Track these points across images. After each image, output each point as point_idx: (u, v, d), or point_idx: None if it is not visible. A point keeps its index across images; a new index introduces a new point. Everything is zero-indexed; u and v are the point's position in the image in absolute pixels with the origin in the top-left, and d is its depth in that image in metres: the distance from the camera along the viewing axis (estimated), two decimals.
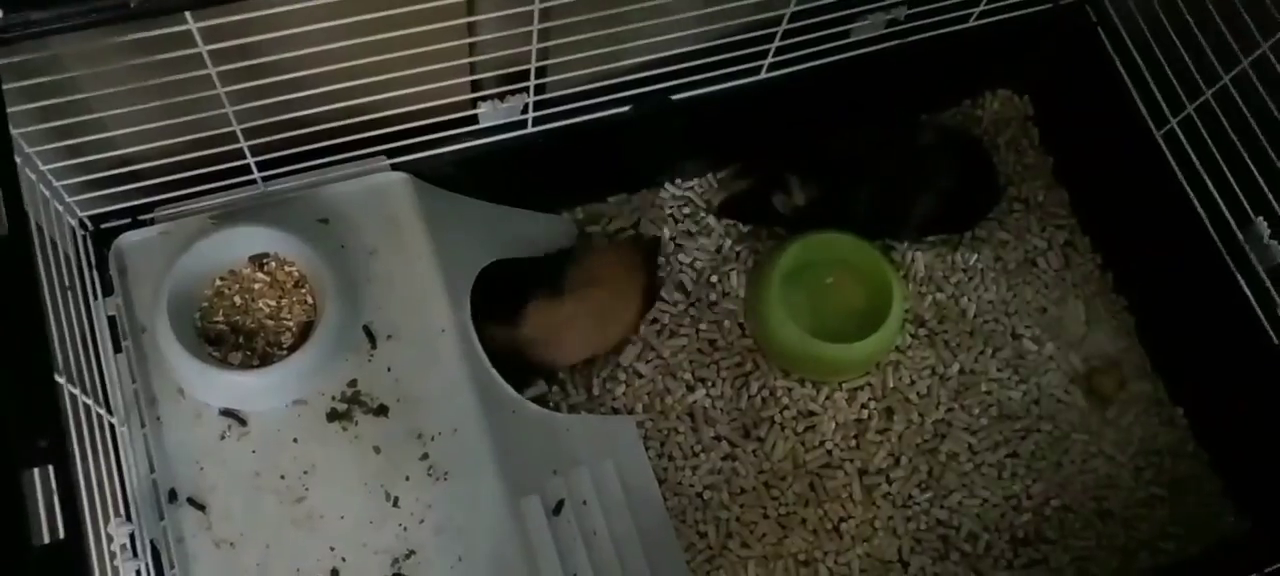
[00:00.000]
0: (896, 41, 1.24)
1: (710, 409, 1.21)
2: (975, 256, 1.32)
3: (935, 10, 1.21)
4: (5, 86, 0.79)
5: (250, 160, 1.01)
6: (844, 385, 1.23)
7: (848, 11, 1.17)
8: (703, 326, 1.25)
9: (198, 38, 0.83)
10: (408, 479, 0.98)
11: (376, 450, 0.99)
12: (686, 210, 1.32)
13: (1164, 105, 1.21)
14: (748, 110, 1.25)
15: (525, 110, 1.11)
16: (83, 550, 0.67)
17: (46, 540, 0.61)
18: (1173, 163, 1.22)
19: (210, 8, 0.79)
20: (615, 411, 1.19)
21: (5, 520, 0.58)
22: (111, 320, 1.00)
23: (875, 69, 1.26)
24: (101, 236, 1.02)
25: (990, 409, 1.24)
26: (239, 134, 0.97)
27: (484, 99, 1.08)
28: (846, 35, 1.20)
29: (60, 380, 0.68)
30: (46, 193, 0.92)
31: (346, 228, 1.06)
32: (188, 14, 0.79)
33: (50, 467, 0.60)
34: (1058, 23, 1.32)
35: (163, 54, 0.85)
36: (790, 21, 1.13)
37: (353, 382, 1.00)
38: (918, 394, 1.24)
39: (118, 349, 0.99)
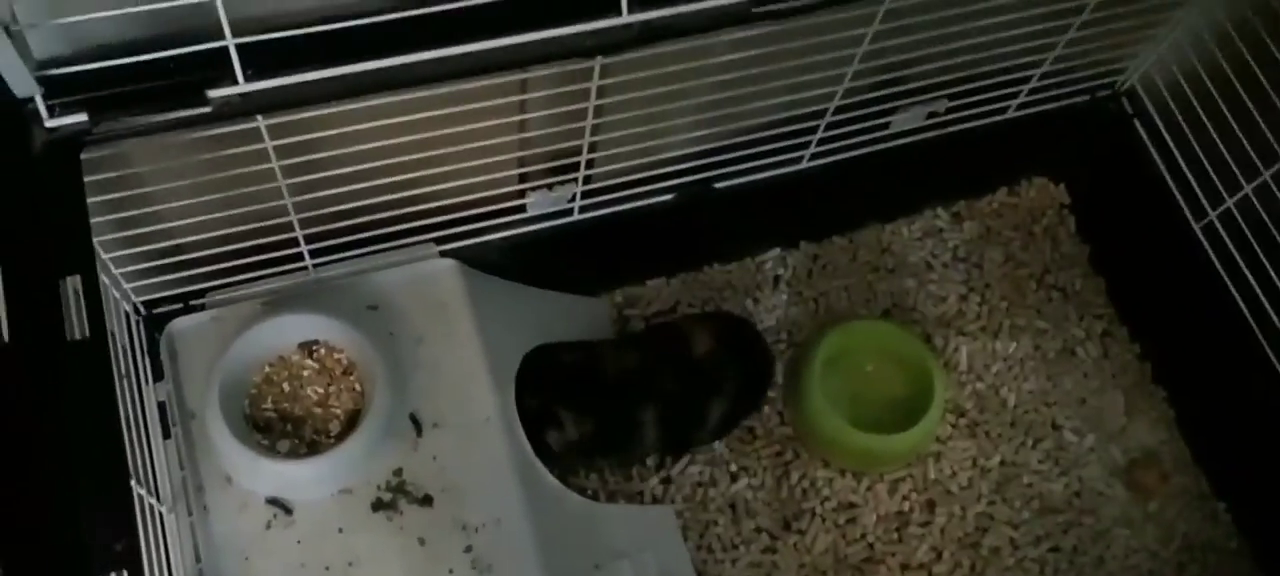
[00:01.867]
0: (936, 132, 1.25)
1: (751, 500, 1.20)
2: (1015, 345, 1.32)
3: (975, 103, 1.23)
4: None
5: (304, 247, 1.02)
6: (885, 476, 1.23)
7: (889, 105, 1.19)
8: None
9: (265, 134, 0.85)
10: (452, 572, 0.97)
11: (421, 542, 0.98)
12: (726, 295, 1.33)
13: (1202, 198, 1.22)
14: (788, 197, 1.26)
15: (572, 199, 1.12)
16: None
17: None
18: (1212, 255, 1.22)
19: (283, 111, 0.80)
20: (655, 501, 1.19)
21: None
22: (161, 406, 1.00)
23: (914, 157, 1.27)
24: (154, 321, 1.03)
25: (1032, 502, 1.23)
26: (295, 223, 0.98)
27: (533, 189, 1.10)
28: (887, 126, 1.22)
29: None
30: (106, 280, 0.93)
31: (395, 314, 1.07)
32: (258, 115, 0.81)
33: (124, 572, 0.60)
34: (1095, 113, 1.33)
35: (229, 149, 0.86)
36: (834, 114, 1.15)
37: (398, 471, 1.00)
38: (959, 486, 1.23)
39: (166, 435, 0.99)
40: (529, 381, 1.09)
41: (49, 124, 0.73)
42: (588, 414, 1.12)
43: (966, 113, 1.24)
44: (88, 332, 0.63)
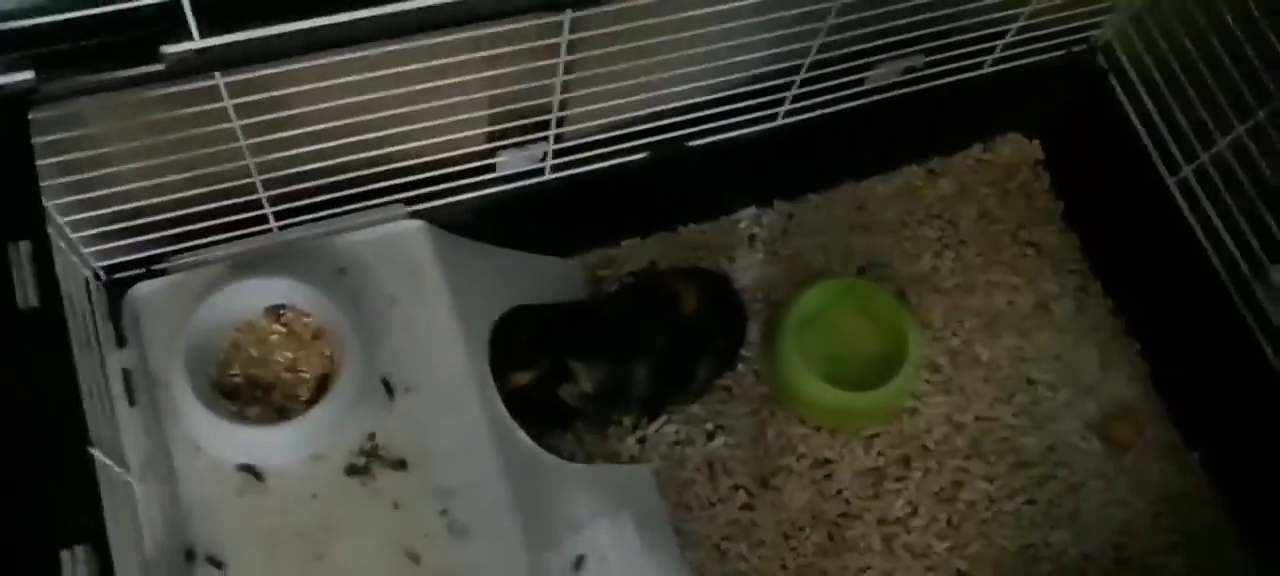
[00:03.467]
0: (911, 88, 1.24)
1: (727, 458, 1.20)
2: (989, 302, 1.32)
3: (951, 58, 1.22)
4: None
5: (268, 209, 1.00)
6: (861, 432, 1.23)
7: (866, 61, 1.18)
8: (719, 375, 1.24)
9: (224, 92, 0.82)
10: (427, 535, 0.96)
11: (395, 505, 0.97)
12: (701, 254, 1.31)
13: (1177, 153, 1.22)
14: (763, 155, 1.25)
15: (544, 157, 1.10)
16: None
17: None
18: (1186, 210, 1.23)
19: (241, 67, 0.77)
20: (633, 461, 1.18)
21: None
22: (125, 373, 0.98)
23: (888, 113, 1.26)
24: (115, 287, 1.00)
25: (1007, 456, 1.24)
26: (258, 184, 0.96)
27: (503, 147, 1.07)
28: (862, 82, 1.20)
29: (92, 451, 0.67)
30: (62, 244, 0.91)
31: (364, 277, 1.05)
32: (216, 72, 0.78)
33: (88, 545, 0.58)
34: (1069, 69, 1.32)
35: (187, 108, 0.83)
36: (809, 70, 1.13)
37: (371, 436, 0.99)
38: (934, 441, 1.23)
39: (132, 403, 0.97)
40: (526, 341, 1.08)
41: None
42: (597, 364, 1.11)
43: (942, 68, 1.23)
44: (39, 300, 0.61)
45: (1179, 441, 1.28)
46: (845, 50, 1.15)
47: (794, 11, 1.02)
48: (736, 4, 0.98)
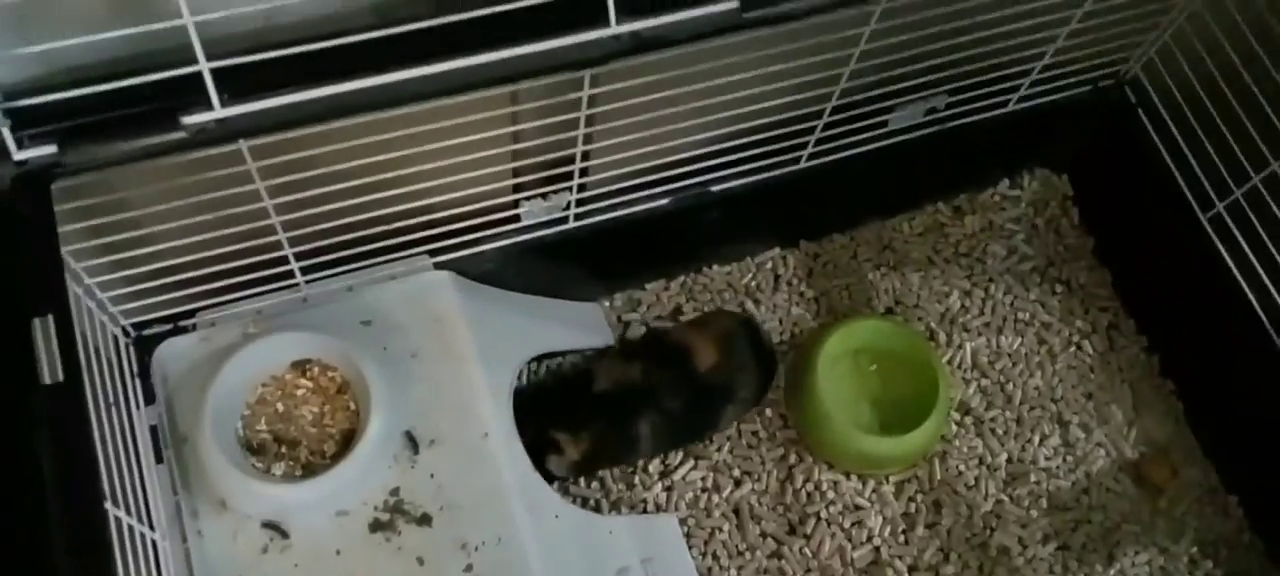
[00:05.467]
0: (935, 127, 1.23)
1: (755, 505, 1.18)
2: (1019, 341, 1.30)
3: (974, 97, 1.21)
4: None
5: (294, 265, 1.00)
6: (891, 477, 1.21)
7: (887, 103, 1.17)
8: (744, 420, 1.23)
9: (248, 156, 0.83)
10: None
11: (420, 562, 0.97)
12: (726, 296, 1.31)
13: (1209, 189, 1.20)
14: (787, 196, 1.24)
15: (567, 206, 1.10)
16: None
17: None
18: (1220, 247, 1.20)
19: (263, 135, 0.78)
20: (658, 509, 1.17)
21: None
22: (153, 430, 0.99)
23: (913, 151, 1.25)
24: (143, 343, 1.01)
25: (1040, 499, 1.22)
26: (284, 241, 0.96)
27: (528, 198, 1.08)
28: (885, 124, 1.20)
29: (109, 508, 0.67)
30: (92, 305, 0.92)
31: (389, 329, 1.05)
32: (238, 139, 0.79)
33: None
34: (1097, 103, 1.31)
35: (211, 171, 0.84)
36: (831, 113, 1.13)
37: (395, 491, 0.99)
38: (966, 485, 1.21)
39: (159, 460, 0.98)
40: (522, 409, 1.07)
41: (17, 156, 0.71)
42: (583, 432, 1.11)
43: (967, 108, 1.22)
44: (62, 375, 0.61)
45: (1217, 483, 1.25)
46: (867, 94, 1.15)
47: (815, 59, 1.02)
48: (755, 53, 0.98)
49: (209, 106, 0.73)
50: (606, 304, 1.30)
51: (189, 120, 0.73)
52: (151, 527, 0.92)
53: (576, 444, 1.10)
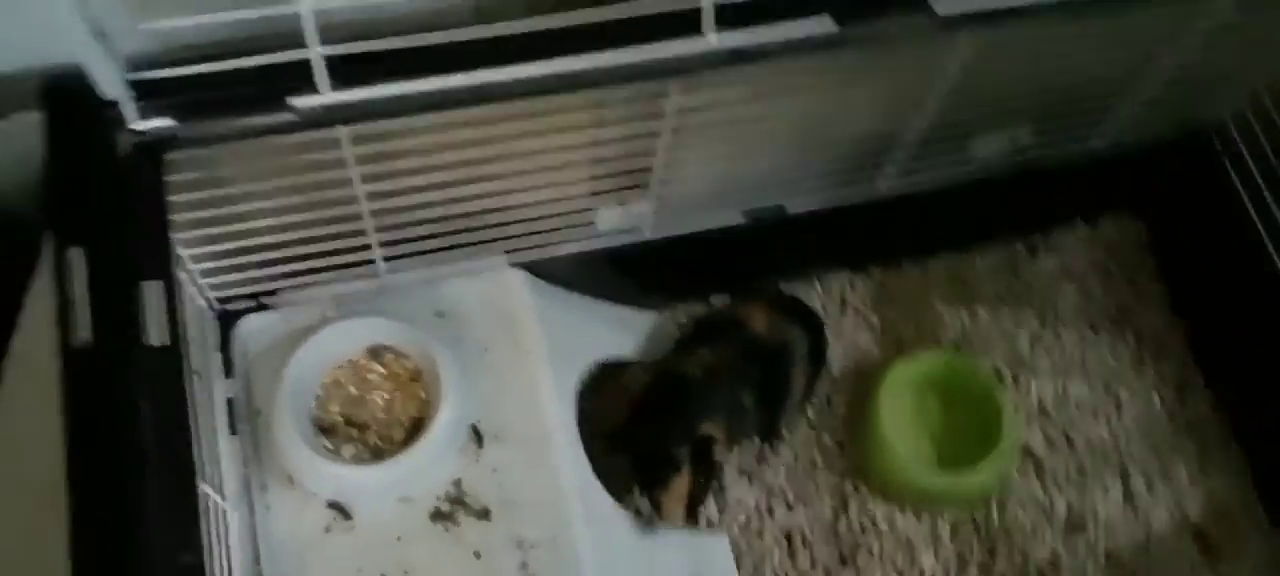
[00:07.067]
0: (1014, 161, 1.22)
1: (807, 532, 1.18)
2: (1086, 388, 1.28)
3: (1059, 134, 1.19)
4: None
5: (377, 252, 1.02)
6: (946, 515, 1.20)
7: (971, 133, 1.16)
8: (801, 444, 1.22)
9: (345, 142, 0.85)
10: None
11: (476, 555, 0.98)
12: None
13: None
14: (860, 220, 1.24)
15: (643, 217, 1.11)
16: None
17: None
18: None
19: (364, 122, 0.80)
20: (710, 526, 1.17)
21: None
22: (229, 402, 1.01)
23: (991, 185, 1.24)
24: (226, 318, 1.04)
25: (1097, 554, 1.19)
26: (370, 227, 0.98)
27: (604, 206, 1.09)
28: (967, 156, 1.19)
29: (201, 486, 0.69)
30: (182, 276, 0.94)
31: (462, 323, 1.07)
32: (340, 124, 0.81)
33: None
34: (1182, 149, 1.28)
35: (309, 154, 0.86)
36: (914, 141, 1.12)
37: (458, 482, 1.00)
38: (1023, 532, 1.20)
39: (233, 431, 1.00)
40: (645, 418, 1.07)
41: (136, 127, 0.73)
42: (717, 418, 1.09)
43: (1049, 144, 1.21)
44: (166, 338, 0.64)
45: None
46: (952, 122, 1.14)
47: (904, 85, 1.02)
48: (845, 74, 0.98)
49: (315, 91, 0.75)
50: (669, 314, 1.30)
51: (298, 102, 0.75)
52: (222, 497, 0.94)
53: (725, 428, 1.09)
